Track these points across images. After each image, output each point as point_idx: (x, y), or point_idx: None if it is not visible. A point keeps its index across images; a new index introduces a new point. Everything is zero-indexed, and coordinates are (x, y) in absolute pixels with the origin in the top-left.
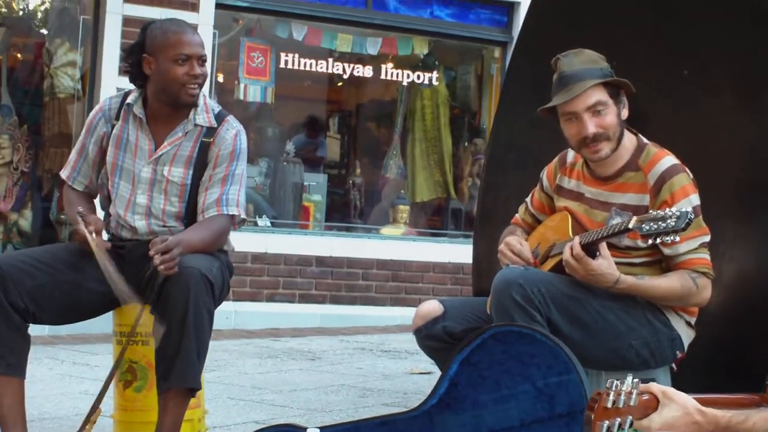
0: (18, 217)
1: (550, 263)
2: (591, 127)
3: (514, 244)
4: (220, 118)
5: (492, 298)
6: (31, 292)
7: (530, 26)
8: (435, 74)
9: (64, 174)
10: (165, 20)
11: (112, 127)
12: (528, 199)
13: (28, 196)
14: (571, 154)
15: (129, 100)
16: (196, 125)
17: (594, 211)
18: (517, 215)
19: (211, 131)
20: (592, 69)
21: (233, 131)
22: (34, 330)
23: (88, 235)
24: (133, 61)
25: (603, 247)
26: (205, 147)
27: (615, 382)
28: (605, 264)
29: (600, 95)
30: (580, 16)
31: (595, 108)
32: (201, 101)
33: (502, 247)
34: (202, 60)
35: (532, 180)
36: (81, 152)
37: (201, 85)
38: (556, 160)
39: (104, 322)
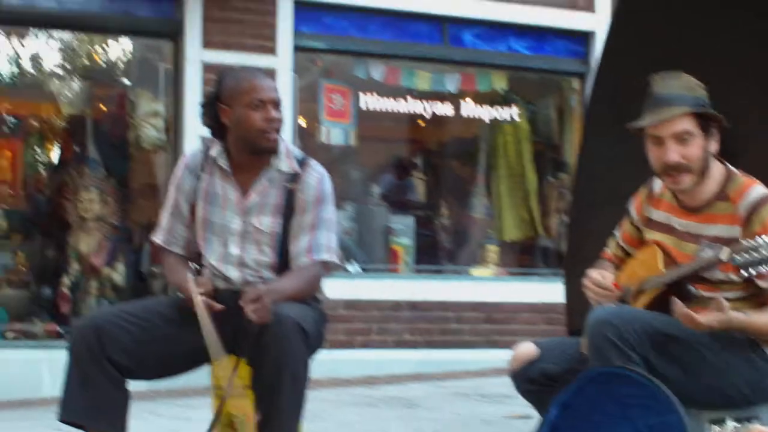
0: (110, 271)
1: (644, 300)
2: (673, 155)
3: (595, 276)
4: (302, 163)
5: (587, 338)
6: (129, 347)
7: (606, 58)
8: (515, 109)
9: (159, 239)
10: (238, 69)
11: (198, 180)
12: (617, 233)
13: (119, 250)
14: (658, 184)
15: (212, 152)
16: (279, 172)
17: (684, 243)
18: (607, 249)
19: (294, 177)
20: (686, 96)
21: (317, 176)
22: (133, 385)
23: (196, 297)
24: (211, 113)
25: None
26: (291, 194)
27: (717, 429)
28: (717, 318)
29: (688, 125)
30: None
31: (681, 136)
32: (282, 147)
33: (585, 281)
34: (277, 104)
35: (621, 214)
36: (173, 212)
37: (278, 130)
38: (643, 190)
39: (203, 376)
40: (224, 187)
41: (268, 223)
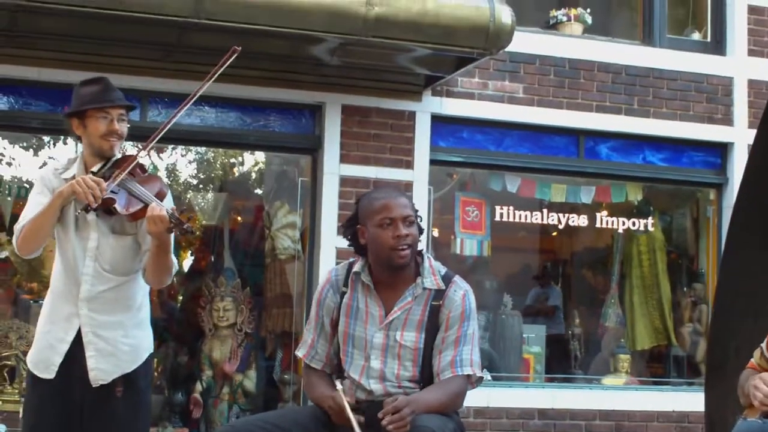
0: (243, 377)
1: None
2: None
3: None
4: (447, 279)
5: None
6: None
7: (752, 169)
8: (650, 219)
9: (301, 353)
10: (374, 191)
11: (342, 296)
12: (764, 345)
13: (252, 357)
14: None
15: (356, 268)
16: (424, 289)
17: None
18: (752, 359)
19: (439, 294)
20: None
21: (461, 292)
22: None
23: (347, 406)
24: (351, 234)
25: None
26: (436, 310)
27: None
28: None
29: None
30: None
31: None
32: (426, 264)
33: (756, 382)
34: (408, 221)
35: (764, 328)
36: (315, 328)
37: (411, 246)
38: None
39: None
40: (367, 302)
41: (411, 338)
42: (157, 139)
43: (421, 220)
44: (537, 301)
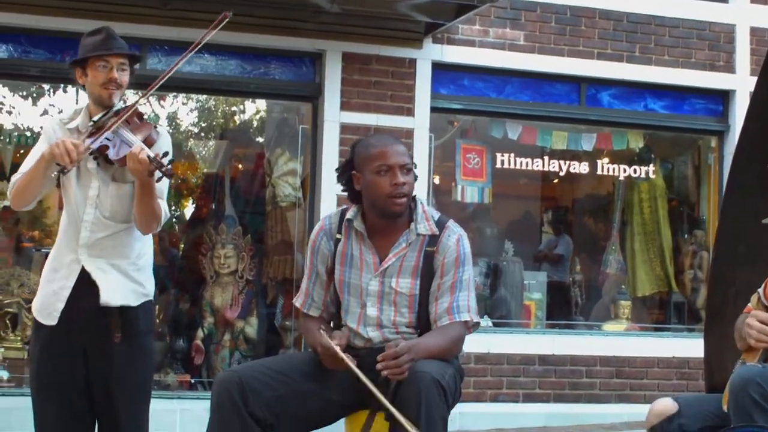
0: (244, 324)
1: None
2: None
3: (761, 315)
4: (441, 224)
5: (730, 397)
6: (269, 402)
7: (755, 114)
8: (651, 167)
9: (298, 302)
10: (370, 136)
11: (336, 243)
12: (761, 290)
13: (254, 304)
14: None
15: (348, 215)
16: (418, 235)
17: None
18: (749, 304)
19: (434, 239)
20: None
21: (455, 237)
22: None
23: (336, 348)
24: (346, 180)
25: None
26: (430, 256)
27: None
28: None
29: None
30: None
31: None
32: (420, 209)
33: (750, 320)
34: (405, 168)
35: (762, 274)
36: (311, 276)
37: (407, 194)
38: None
39: (333, 428)
40: (361, 249)
41: (406, 284)
42: (153, 90)
43: (415, 167)
44: (548, 248)
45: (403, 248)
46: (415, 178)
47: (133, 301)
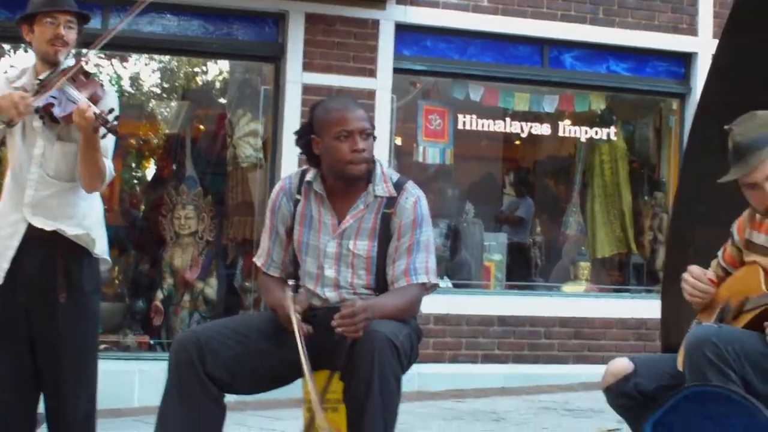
0: (204, 285)
1: (745, 319)
2: None
3: (697, 271)
4: (399, 186)
5: (685, 356)
6: (227, 362)
7: (714, 77)
8: (612, 129)
9: (258, 261)
10: (330, 98)
11: (295, 204)
12: (720, 253)
13: (213, 265)
14: None
15: (308, 177)
16: (376, 197)
17: None
18: (708, 270)
19: (391, 201)
20: (766, 134)
21: (413, 199)
22: None
23: (293, 316)
24: (304, 143)
25: None
26: (387, 218)
27: None
28: None
29: None
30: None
31: None
32: (378, 170)
33: (685, 276)
34: (365, 133)
35: (721, 234)
36: (271, 235)
37: (366, 160)
38: (746, 213)
39: (290, 388)
40: (320, 211)
41: (363, 246)
42: (99, 46)
43: (374, 129)
44: (510, 210)
45: (361, 210)
46: (374, 140)
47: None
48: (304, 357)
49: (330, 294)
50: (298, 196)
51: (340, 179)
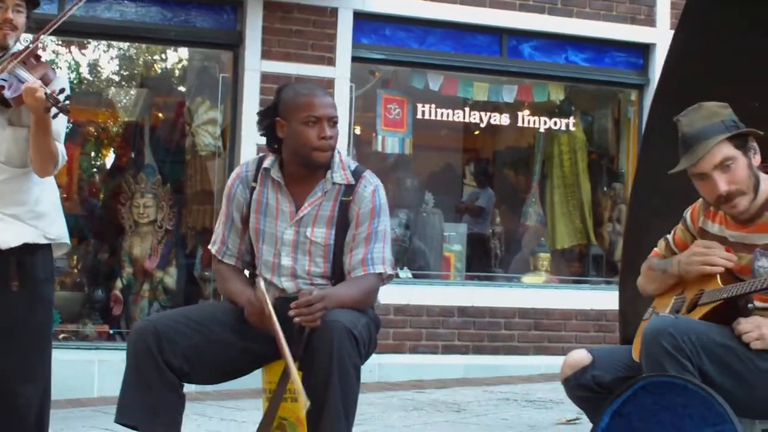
0: (163, 274)
1: (700, 311)
2: (722, 185)
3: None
4: (357, 174)
5: (642, 347)
6: (185, 351)
7: (671, 68)
8: (571, 119)
9: (213, 249)
10: (297, 83)
11: (251, 191)
12: (669, 236)
13: (173, 254)
14: None
15: (266, 164)
16: (334, 184)
17: (739, 254)
18: (656, 249)
19: (349, 189)
20: (714, 124)
21: (371, 188)
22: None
23: (271, 310)
24: (267, 125)
25: None
26: (345, 206)
27: None
28: None
29: (726, 150)
30: (723, 55)
31: (723, 164)
32: (337, 158)
33: (694, 248)
34: (333, 121)
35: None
36: (226, 223)
37: (333, 147)
38: (700, 201)
39: (251, 378)
40: (277, 198)
41: (321, 234)
42: (50, 30)
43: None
44: (470, 200)
45: (319, 197)
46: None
47: (30, 239)
48: (287, 350)
49: (287, 283)
50: (254, 184)
51: (303, 165)
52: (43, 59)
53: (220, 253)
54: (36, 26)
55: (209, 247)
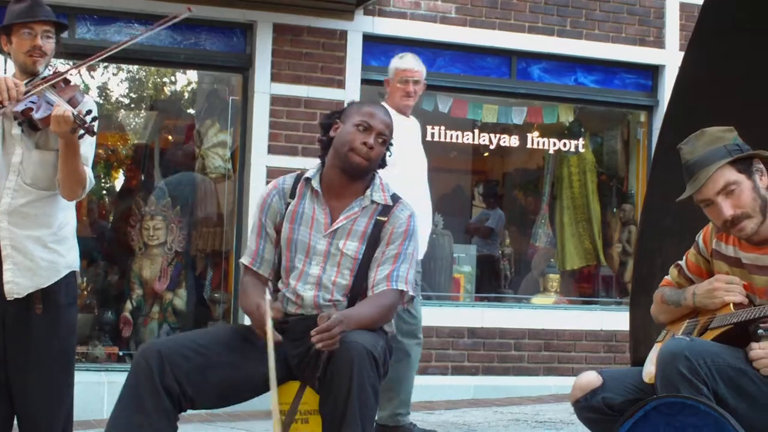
0: (173, 296)
1: (711, 335)
2: (727, 209)
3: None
4: (394, 199)
5: (658, 369)
6: (189, 374)
7: (681, 89)
8: (581, 141)
9: (246, 261)
10: (369, 101)
11: (287, 204)
12: (682, 262)
13: (183, 276)
14: None
15: (308, 174)
16: (372, 202)
17: (753, 276)
18: (667, 277)
19: (386, 209)
20: (716, 150)
21: (408, 212)
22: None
23: (268, 320)
24: (326, 126)
25: None
26: (380, 225)
27: None
28: None
29: (728, 175)
30: (733, 78)
31: (727, 189)
32: (377, 180)
33: (715, 283)
34: (382, 138)
35: (688, 246)
36: (260, 233)
37: (370, 158)
38: (711, 224)
39: (261, 400)
40: (314, 208)
41: (353, 247)
42: (88, 63)
43: (391, 146)
44: (480, 221)
45: (356, 212)
46: (387, 152)
47: (44, 283)
48: (271, 364)
49: (308, 293)
50: (290, 200)
51: (340, 169)
52: (72, 83)
53: (255, 264)
54: (65, 51)
55: (241, 260)
